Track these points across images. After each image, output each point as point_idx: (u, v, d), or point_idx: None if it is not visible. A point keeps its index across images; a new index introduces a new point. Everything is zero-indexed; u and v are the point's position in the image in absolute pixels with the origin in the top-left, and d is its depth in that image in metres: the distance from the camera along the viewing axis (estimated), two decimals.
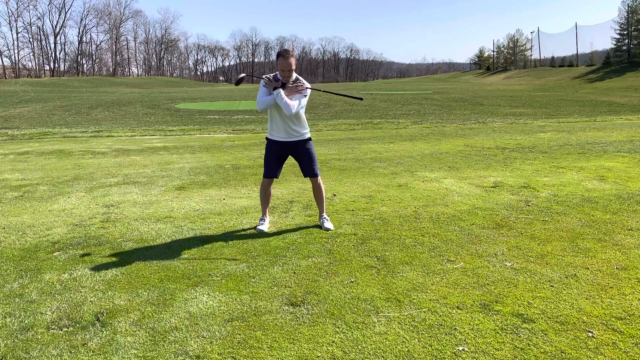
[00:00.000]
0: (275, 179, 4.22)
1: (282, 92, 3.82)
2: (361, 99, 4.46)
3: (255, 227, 4.14)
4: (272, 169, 4.11)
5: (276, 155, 4.10)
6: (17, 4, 74.94)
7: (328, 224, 4.12)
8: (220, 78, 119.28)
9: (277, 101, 3.81)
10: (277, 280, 3.05)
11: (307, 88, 3.92)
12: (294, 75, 3.91)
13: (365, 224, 4.22)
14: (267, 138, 4.14)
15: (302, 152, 4.08)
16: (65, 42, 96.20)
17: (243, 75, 4.05)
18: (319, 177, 4.17)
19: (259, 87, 3.95)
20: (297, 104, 3.85)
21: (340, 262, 3.35)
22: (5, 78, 62.99)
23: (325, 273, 3.15)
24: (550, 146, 9.19)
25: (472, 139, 10.64)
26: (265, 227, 4.12)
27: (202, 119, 18.19)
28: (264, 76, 3.89)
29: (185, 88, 53.71)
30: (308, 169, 4.11)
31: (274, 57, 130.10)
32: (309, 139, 4.13)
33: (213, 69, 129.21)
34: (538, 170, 6.64)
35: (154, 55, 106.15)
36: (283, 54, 3.80)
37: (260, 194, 4.25)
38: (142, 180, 6.33)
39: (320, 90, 4.54)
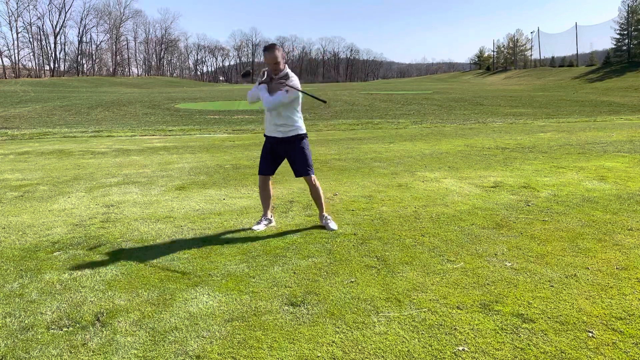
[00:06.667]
0: (273, 178, 4.22)
1: (265, 86, 3.92)
2: (324, 101, 4.41)
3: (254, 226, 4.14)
4: (262, 165, 4.15)
5: (267, 150, 4.13)
6: (17, 4, 74.96)
7: (333, 225, 4.09)
8: (221, 78, 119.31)
9: (261, 94, 3.91)
10: (277, 280, 3.05)
11: (288, 86, 3.83)
12: (286, 70, 3.90)
13: (365, 224, 4.22)
14: (264, 133, 4.18)
15: (292, 150, 4.03)
16: (65, 42, 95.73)
17: (249, 69, 4.06)
18: (313, 176, 4.10)
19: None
20: (275, 99, 3.85)
21: (340, 262, 3.35)
22: (5, 78, 62.96)
23: (325, 273, 3.15)
24: (550, 146, 9.19)
25: (472, 139, 10.64)
26: (260, 227, 4.10)
27: (202, 119, 18.19)
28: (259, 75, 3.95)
29: (185, 88, 53.71)
30: (299, 167, 4.06)
31: None
32: (302, 137, 4.04)
33: (213, 69, 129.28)
34: (538, 170, 6.64)
35: (154, 55, 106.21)
36: (267, 48, 3.87)
37: (259, 192, 4.28)
38: (142, 180, 6.33)
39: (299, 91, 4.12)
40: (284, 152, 4.09)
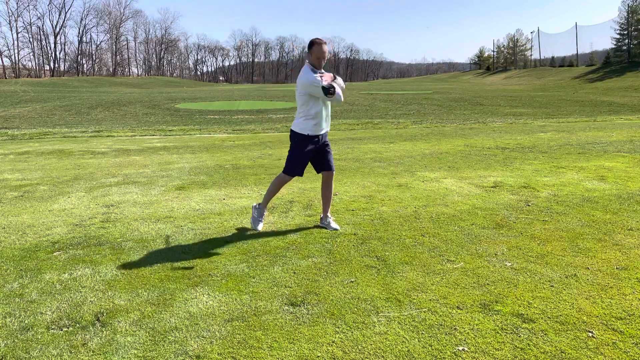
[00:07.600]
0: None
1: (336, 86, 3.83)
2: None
3: (252, 225, 4.08)
4: (301, 167, 4.00)
5: (310, 151, 3.97)
6: (17, 4, 75.03)
7: (334, 224, 4.11)
8: (221, 78, 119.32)
9: (338, 92, 3.84)
10: (277, 280, 3.05)
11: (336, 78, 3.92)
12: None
13: (365, 224, 4.22)
14: (304, 134, 3.90)
15: (325, 144, 4.07)
16: (65, 42, 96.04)
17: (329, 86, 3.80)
18: None
19: (316, 86, 3.74)
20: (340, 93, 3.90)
21: (340, 262, 3.35)
22: (5, 78, 62.95)
23: (325, 273, 3.16)
24: (550, 146, 9.19)
25: (472, 139, 10.64)
26: (261, 226, 4.10)
27: (202, 119, 18.19)
28: (325, 80, 3.78)
29: (185, 88, 53.70)
30: (330, 161, 4.10)
31: (274, 57, 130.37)
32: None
33: (213, 69, 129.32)
34: (538, 170, 6.64)
35: (154, 55, 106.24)
36: (320, 42, 3.81)
37: (273, 186, 4.12)
38: (142, 180, 6.33)
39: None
40: (318, 148, 4.02)
